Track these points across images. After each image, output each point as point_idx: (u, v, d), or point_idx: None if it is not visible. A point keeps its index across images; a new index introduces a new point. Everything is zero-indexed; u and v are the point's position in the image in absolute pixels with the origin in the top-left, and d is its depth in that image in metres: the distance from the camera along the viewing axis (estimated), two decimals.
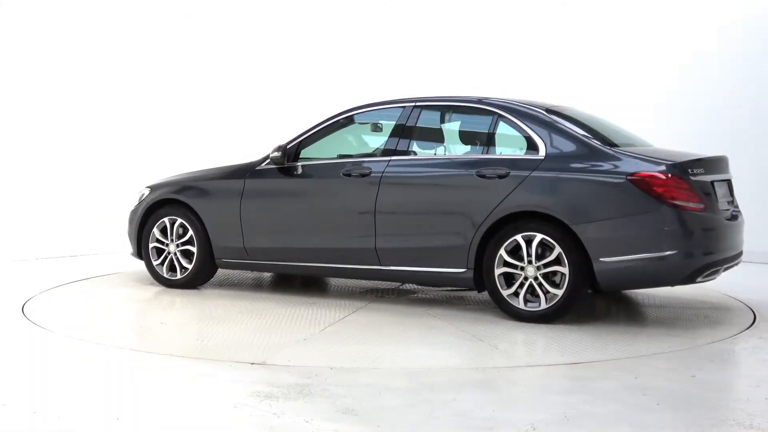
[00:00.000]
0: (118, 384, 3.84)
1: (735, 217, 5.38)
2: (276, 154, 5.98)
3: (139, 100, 10.44)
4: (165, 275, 6.45)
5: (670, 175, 4.88)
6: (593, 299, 5.96)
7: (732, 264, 5.31)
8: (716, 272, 5.10)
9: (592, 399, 3.57)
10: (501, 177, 5.19)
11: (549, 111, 5.48)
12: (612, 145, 5.21)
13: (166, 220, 6.43)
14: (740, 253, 5.43)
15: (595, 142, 5.17)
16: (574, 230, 4.95)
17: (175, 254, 6.40)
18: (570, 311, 5.10)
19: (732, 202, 5.46)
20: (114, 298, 6.19)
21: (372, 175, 5.62)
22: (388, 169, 5.61)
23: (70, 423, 3.20)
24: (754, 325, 5.22)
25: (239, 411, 3.35)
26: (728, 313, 5.63)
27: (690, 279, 4.98)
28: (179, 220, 6.37)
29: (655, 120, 8.79)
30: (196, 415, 3.36)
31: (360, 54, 11.03)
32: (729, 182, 5.50)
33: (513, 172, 5.17)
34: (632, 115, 8.47)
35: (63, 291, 6.38)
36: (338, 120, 6.06)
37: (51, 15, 9.66)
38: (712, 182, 5.12)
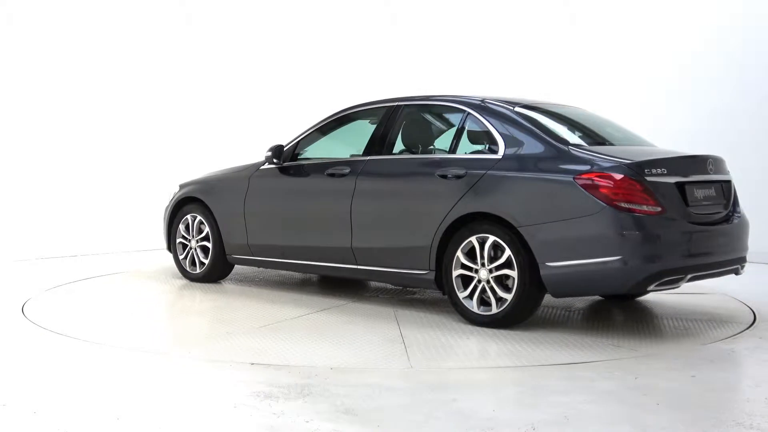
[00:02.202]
0: (118, 384, 3.84)
1: (728, 220, 5.11)
2: (268, 153, 6.23)
3: (140, 100, 10.43)
4: (187, 269, 6.83)
5: (620, 176, 4.58)
6: (590, 301, 5.96)
7: (713, 271, 4.98)
8: (677, 281, 4.71)
9: (592, 399, 3.57)
10: (459, 177, 5.10)
11: (527, 107, 5.35)
12: (601, 144, 5.12)
13: (188, 216, 6.80)
14: (730, 261, 5.07)
15: (555, 141, 4.93)
16: (521, 232, 4.78)
17: (195, 250, 6.75)
18: (524, 317, 4.94)
19: (726, 204, 5.17)
20: (114, 298, 6.21)
21: (350, 175, 5.68)
22: (363, 170, 5.65)
23: (70, 423, 3.20)
24: (754, 325, 5.22)
25: (239, 411, 3.35)
26: (728, 313, 5.62)
27: (640, 287, 4.65)
28: (198, 217, 6.72)
29: (656, 120, 8.80)
30: (196, 415, 3.36)
31: (364, 54, 11.04)
32: (722, 184, 5.19)
33: (470, 173, 5.06)
34: (634, 115, 8.47)
35: (63, 291, 6.39)
36: (332, 120, 6.17)
37: (54, 15, 9.67)
38: (678, 183, 4.78)
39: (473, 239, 4.98)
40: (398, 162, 5.62)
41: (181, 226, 6.84)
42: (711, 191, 5.06)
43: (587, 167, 4.68)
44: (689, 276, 4.74)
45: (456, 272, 5.06)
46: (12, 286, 6.69)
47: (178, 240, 6.88)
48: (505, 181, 4.93)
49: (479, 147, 5.27)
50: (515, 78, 9.90)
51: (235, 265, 6.80)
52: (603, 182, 4.59)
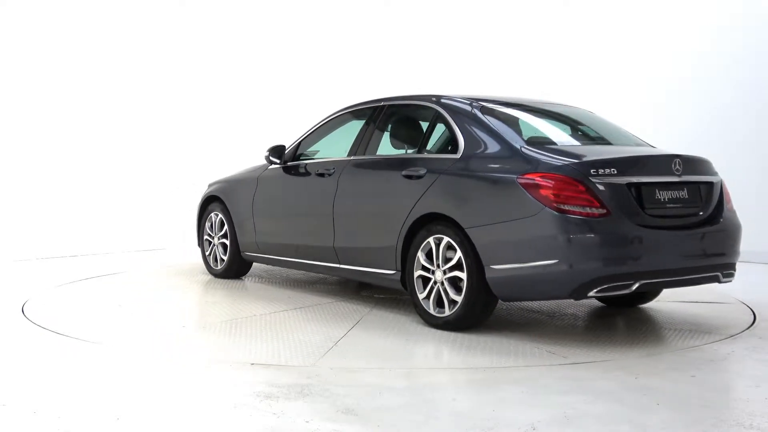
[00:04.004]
0: (118, 384, 3.84)
1: (706, 223, 4.81)
2: (266, 154, 6.41)
3: (140, 100, 10.43)
4: (211, 265, 7.15)
5: (561, 177, 4.40)
6: (591, 306, 5.95)
7: (680, 278, 4.70)
8: (623, 287, 4.45)
9: (592, 399, 3.57)
10: (420, 177, 5.06)
11: (507, 105, 5.32)
12: (575, 143, 5.07)
13: (212, 215, 7.08)
14: (706, 267, 4.77)
15: (510, 141, 4.78)
16: (468, 234, 4.68)
17: (217, 246, 7.03)
18: (477, 320, 4.83)
19: (703, 207, 4.84)
20: (114, 298, 6.21)
21: (334, 175, 5.75)
22: (345, 170, 5.70)
23: (70, 423, 3.19)
24: (754, 325, 5.21)
25: (239, 411, 3.35)
26: (728, 313, 5.62)
27: (578, 293, 4.41)
28: (220, 216, 6.98)
29: (656, 120, 8.80)
30: (196, 415, 3.36)
31: (368, 54, 11.04)
32: (700, 185, 4.86)
33: (429, 173, 5.01)
34: (634, 115, 8.47)
35: (63, 291, 6.39)
36: (330, 120, 6.25)
37: (55, 14, 9.67)
38: (632, 184, 4.52)
39: (431, 240, 4.92)
40: (372, 162, 5.63)
41: (207, 224, 7.16)
42: (682, 193, 4.76)
43: (531, 167, 4.54)
44: (640, 282, 4.47)
45: (417, 273, 5.02)
46: (12, 286, 6.69)
47: (204, 237, 7.19)
48: (458, 182, 4.86)
49: (444, 147, 5.23)
50: (516, 77, 9.90)
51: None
52: (544, 183, 4.42)
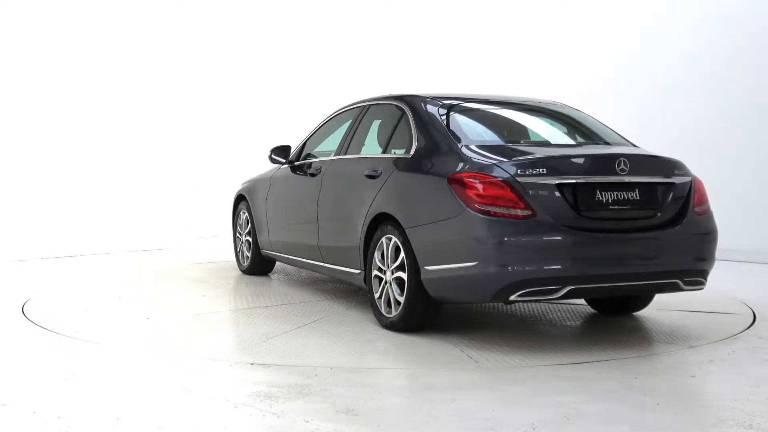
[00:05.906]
0: (118, 384, 3.84)
1: (664, 226, 4.52)
2: (269, 153, 6.54)
3: (140, 101, 10.43)
4: (240, 262, 7.36)
5: (486, 177, 4.30)
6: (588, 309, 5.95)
7: (624, 284, 4.44)
8: (549, 291, 4.24)
9: (592, 399, 3.56)
10: (377, 177, 5.03)
11: (482, 102, 5.32)
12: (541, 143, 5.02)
13: (240, 213, 7.30)
14: (660, 273, 4.47)
15: (453, 140, 4.69)
16: (407, 234, 4.62)
17: (243, 244, 7.24)
18: (420, 322, 4.74)
19: (660, 209, 4.53)
20: (114, 298, 6.20)
21: (319, 175, 5.84)
22: (328, 170, 5.77)
23: (70, 423, 3.19)
24: (754, 325, 5.21)
25: (239, 411, 3.35)
26: (728, 313, 5.62)
27: (500, 297, 4.25)
28: (246, 214, 7.18)
29: (655, 119, 8.79)
30: (196, 415, 3.36)
31: (376, 53, 11.05)
32: (658, 186, 4.57)
33: (384, 173, 4.98)
34: (635, 114, 8.47)
35: (63, 291, 6.38)
36: (330, 120, 6.32)
37: (57, 15, 9.68)
38: (565, 185, 4.31)
39: (384, 240, 4.88)
40: (346, 162, 5.65)
41: (237, 222, 7.38)
42: (633, 194, 4.47)
43: (461, 167, 4.46)
44: (568, 288, 4.24)
45: (373, 273, 4.99)
46: (12, 286, 6.69)
47: (236, 235, 7.39)
48: (403, 181, 4.84)
49: (405, 146, 5.16)
50: (516, 77, 9.90)
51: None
52: (470, 183, 4.33)
